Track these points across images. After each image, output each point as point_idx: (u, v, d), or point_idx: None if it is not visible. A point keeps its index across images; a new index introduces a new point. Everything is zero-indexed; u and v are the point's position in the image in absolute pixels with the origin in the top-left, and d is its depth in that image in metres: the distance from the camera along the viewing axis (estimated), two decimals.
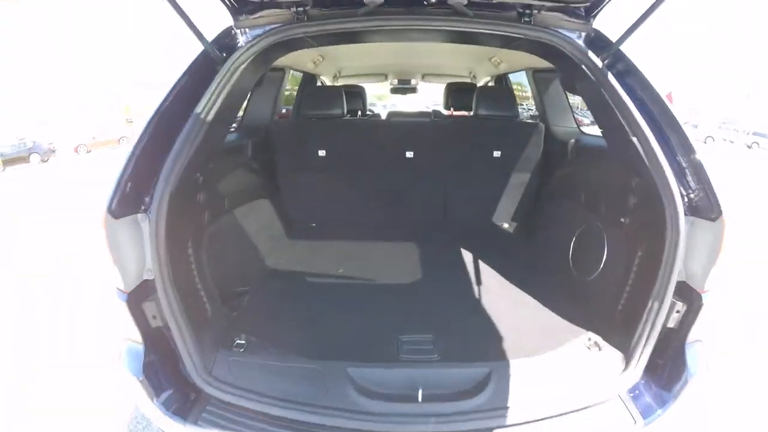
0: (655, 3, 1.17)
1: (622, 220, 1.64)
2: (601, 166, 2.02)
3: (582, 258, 1.92)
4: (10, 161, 17.86)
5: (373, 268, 2.16)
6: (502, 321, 1.67)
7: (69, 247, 4.87)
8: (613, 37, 1.40)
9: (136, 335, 1.28)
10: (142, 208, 1.25)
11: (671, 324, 1.30)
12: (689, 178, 1.24)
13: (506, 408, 1.26)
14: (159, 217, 1.24)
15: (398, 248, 2.44)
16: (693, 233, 1.23)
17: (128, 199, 1.23)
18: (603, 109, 1.45)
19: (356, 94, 3.93)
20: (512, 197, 2.80)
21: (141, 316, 1.27)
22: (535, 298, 1.84)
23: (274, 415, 1.25)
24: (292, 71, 3.19)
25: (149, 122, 1.29)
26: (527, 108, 5.51)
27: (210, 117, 1.37)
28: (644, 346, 1.32)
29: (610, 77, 1.38)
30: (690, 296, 1.27)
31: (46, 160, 19.43)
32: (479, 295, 1.91)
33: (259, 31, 1.45)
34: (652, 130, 1.29)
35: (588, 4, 1.36)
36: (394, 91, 5.01)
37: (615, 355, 1.41)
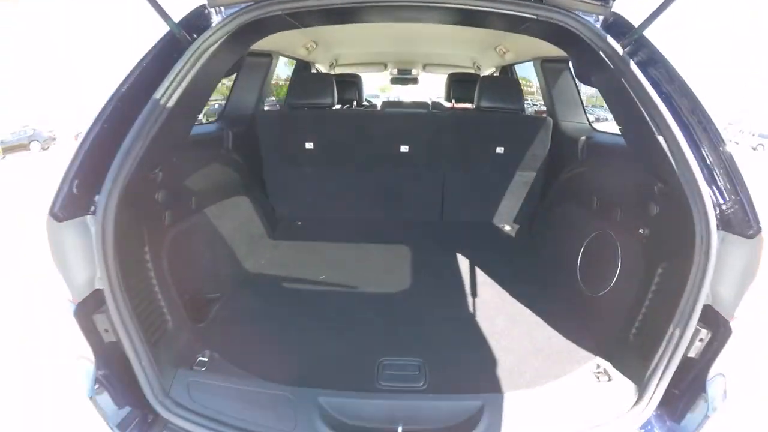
0: None
1: (641, 231, 1.46)
2: (617, 167, 1.83)
3: (591, 271, 1.75)
4: (10, 149, 17.86)
5: (358, 275, 2.00)
6: (500, 343, 1.50)
7: None
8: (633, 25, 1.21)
9: (87, 350, 1.16)
10: (92, 209, 1.11)
11: (692, 354, 1.14)
12: (723, 186, 1.07)
13: None
14: (106, 219, 1.09)
15: (388, 252, 2.28)
16: (724, 251, 1.05)
17: (75, 199, 1.09)
18: (623, 103, 1.27)
19: (351, 83, 3.72)
20: (515, 198, 2.62)
21: (92, 329, 1.14)
22: (537, 315, 1.67)
23: None
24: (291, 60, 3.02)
25: (102, 111, 1.14)
26: (532, 103, 5.28)
27: (171, 103, 1.22)
28: (660, 377, 1.15)
29: (633, 66, 1.19)
30: (716, 323, 1.10)
31: (47, 148, 19.41)
32: (474, 310, 1.74)
33: (233, 10, 1.28)
34: (681, 129, 1.11)
35: None
36: (394, 81, 4.82)
37: (626, 386, 1.25)
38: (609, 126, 2.28)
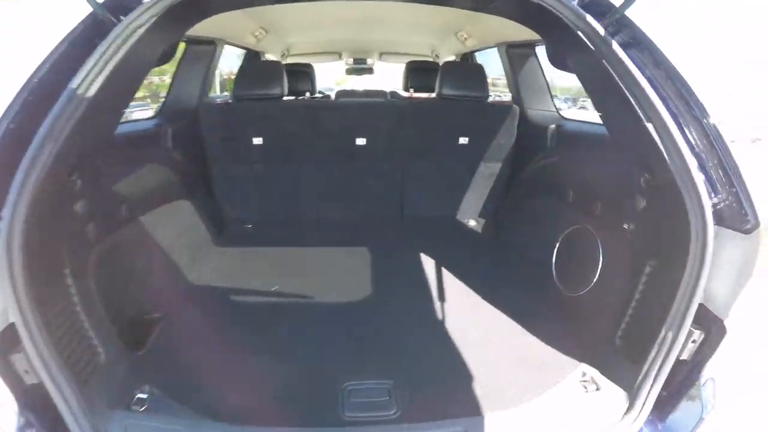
0: None
1: (626, 226, 1.37)
2: (594, 158, 1.75)
3: (568, 268, 1.67)
4: None
5: (314, 284, 1.80)
6: (476, 355, 1.36)
7: None
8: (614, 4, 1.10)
9: (7, 396, 0.98)
10: None
11: (684, 356, 1.07)
12: (717, 178, 0.99)
13: None
14: (11, 238, 0.89)
15: (347, 255, 2.11)
16: (719, 246, 0.98)
17: None
18: (605, 88, 1.16)
19: (303, 73, 3.46)
20: (480, 191, 2.52)
21: (10, 371, 0.97)
22: (513, 319, 1.55)
23: None
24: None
25: (9, 109, 0.96)
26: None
27: (90, 94, 1.01)
28: (653, 383, 1.08)
29: (615, 46, 1.08)
30: (708, 323, 1.03)
31: None
32: (444, 318, 1.59)
33: None
34: (671, 116, 1.01)
35: None
36: (349, 72, 4.59)
37: (616, 394, 1.17)
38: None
